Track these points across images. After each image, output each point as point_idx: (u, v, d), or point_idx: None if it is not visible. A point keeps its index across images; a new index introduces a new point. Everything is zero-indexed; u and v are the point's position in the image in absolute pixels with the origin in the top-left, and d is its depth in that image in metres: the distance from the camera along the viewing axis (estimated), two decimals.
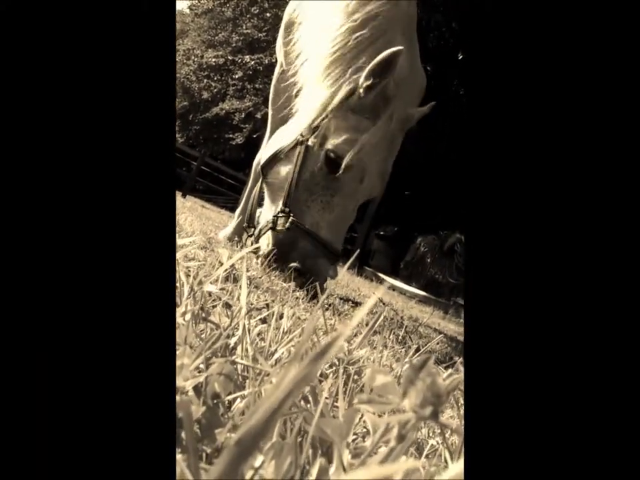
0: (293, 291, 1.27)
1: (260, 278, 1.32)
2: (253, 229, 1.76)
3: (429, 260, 7.25)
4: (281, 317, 0.80)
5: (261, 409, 0.23)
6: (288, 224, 1.54)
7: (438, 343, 1.55)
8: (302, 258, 1.50)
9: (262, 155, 1.77)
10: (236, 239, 2.31)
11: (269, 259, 1.52)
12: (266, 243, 1.61)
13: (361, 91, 1.52)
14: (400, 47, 1.47)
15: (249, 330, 0.48)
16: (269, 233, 1.60)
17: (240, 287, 1.04)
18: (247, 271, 1.24)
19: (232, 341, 0.49)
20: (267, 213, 1.68)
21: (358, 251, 1.22)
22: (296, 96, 1.76)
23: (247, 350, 0.45)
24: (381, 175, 1.64)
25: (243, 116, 11.77)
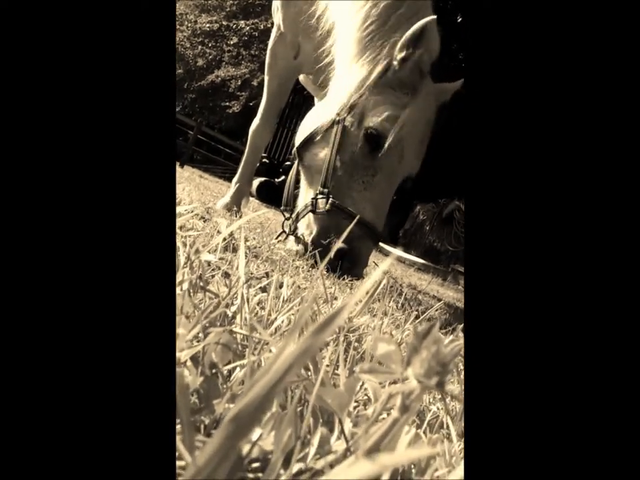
0: (293, 261, 1.26)
1: (260, 247, 1.31)
2: (290, 213, 1.73)
3: (427, 228, 7.25)
4: (281, 285, 0.80)
5: (260, 382, 0.22)
6: (328, 205, 1.50)
7: (437, 310, 1.55)
8: (347, 240, 1.45)
9: (296, 138, 1.72)
10: (234, 208, 2.28)
11: (313, 244, 1.50)
12: (305, 225, 1.58)
13: (396, 63, 1.49)
14: (433, 17, 1.45)
15: (247, 299, 0.47)
16: (309, 215, 1.57)
17: (239, 255, 1.02)
18: (247, 240, 1.23)
19: (231, 310, 0.47)
20: (304, 195, 1.64)
21: (357, 216, 1.18)
22: (331, 74, 1.70)
23: (245, 319, 0.44)
24: (419, 152, 1.60)
25: (239, 83, 11.51)
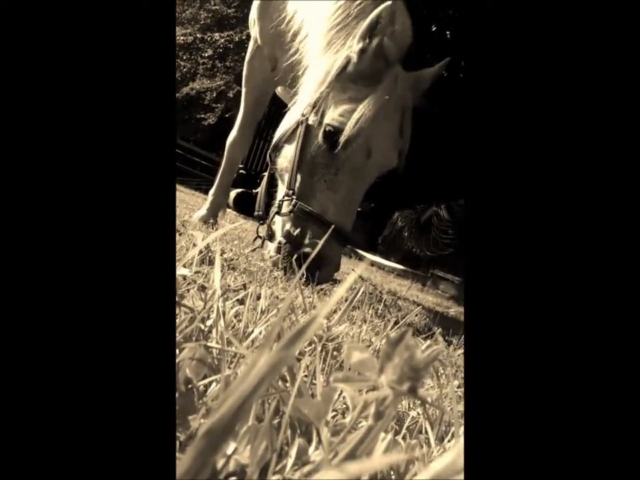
0: (271, 271, 1.26)
1: (237, 259, 1.30)
2: (264, 218, 1.69)
3: (406, 234, 7.32)
4: (259, 297, 0.79)
5: (232, 396, 0.22)
6: (290, 207, 1.47)
7: (417, 315, 1.56)
8: (312, 244, 1.41)
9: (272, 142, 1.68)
10: (211, 220, 2.27)
11: (281, 250, 1.44)
12: (279, 227, 1.54)
13: (354, 55, 1.43)
14: (388, 2, 1.38)
15: (223, 312, 0.47)
16: (277, 218, 1.54)
17: (215, 268, 1.02)
18: (223, 253, 1.22)
19: (206, 325, 0.47)
20: (277, 199, 1.61)
21: (332, 227, 1.17)
22: (302, 76, 1.66)
23: (221, 333, 0.44)
24: (394, 145, 1.51)
25: (214, 95, 11.50)
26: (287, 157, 1.56)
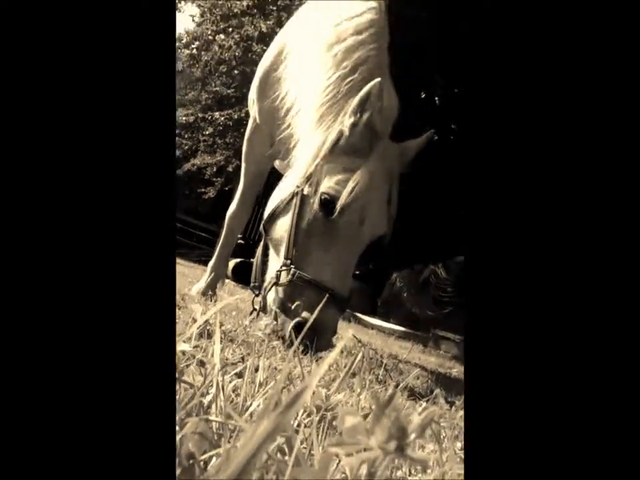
0: (269, 342, 1.27)
1: (235, 331, 1.31)
2: (259, 290, 1.71)
3: (405, 295, 7.29)
4: (257, 369, 0.80)
5: (233, 464, 0.24)
6: (289, 276, 1.50)
7: (418, 378, 1.54)
8: (310, 309, 1.42)
9: (264, 214, 1.75)
10: (210, 292, 2.29)
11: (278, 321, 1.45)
12: (272, 299, 1.56)
13: (346, 129, 1.53)
14: (377, 79, 1.49)
15: (222, 387, 0.49)
16: (274, 288, 1.56)
17: (214, 342, 1.03)
18: (222, 324, 1.24)
19: (206, 399, 0.49)
20: (272, 269, 1.64)
21: (329, 292, 1.18)
22: (293, 149, 1.76)
23: (221, 407, 0.46)
24: (384, 212, 1.58)
25: (214, 170, 11.91)
26: (282, 226, 1.61)
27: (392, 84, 1.77)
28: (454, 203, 6.69)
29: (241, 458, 0.24)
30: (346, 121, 1.54)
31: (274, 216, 1.66)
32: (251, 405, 0.51)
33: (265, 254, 1.75)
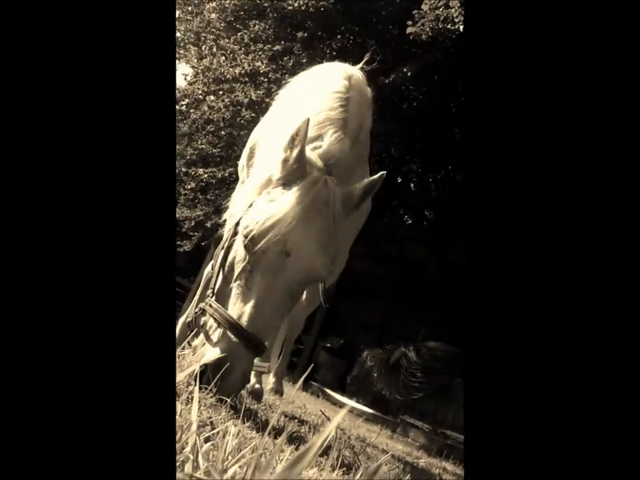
0: (234, 413, 1.22)
1: (204, 391, 1.27)
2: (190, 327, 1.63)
3: (375, 375, 7.13)
4: (225, 435, 0.77)
5: None
6: (206, 308, 1.44)
7: (386, 464, 1.48)
8: (221, 349, 1.34)
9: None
10: (183, 346, 2.21)
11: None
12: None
13: (278, 165, 1.55)
14: (307, 117, 1.53)
15: (200, 446, 0.47)
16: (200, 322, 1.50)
17: (184, 402, 1.00)
18: (194, 384, 1.19)
19: (182, 457, 0.47)
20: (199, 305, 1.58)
21: (312, 365, 1.15)
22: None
23: (197, 466, 0.44)
24: (318, 251, 1.50)
25: (192, 224, 11.99)
26: (216, 262, 1.61)
27: (343, 131, 1.77)
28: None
29: None
30: (277, 159, 1.57)
31: (216, 253, 1.65)
32: (226, 469, 0.49)
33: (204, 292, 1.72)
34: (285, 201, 1.46)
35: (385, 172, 1.80)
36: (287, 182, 1.53)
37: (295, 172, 1.54)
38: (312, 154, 1.60)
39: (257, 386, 2.32)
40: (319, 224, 1.53)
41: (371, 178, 1.73)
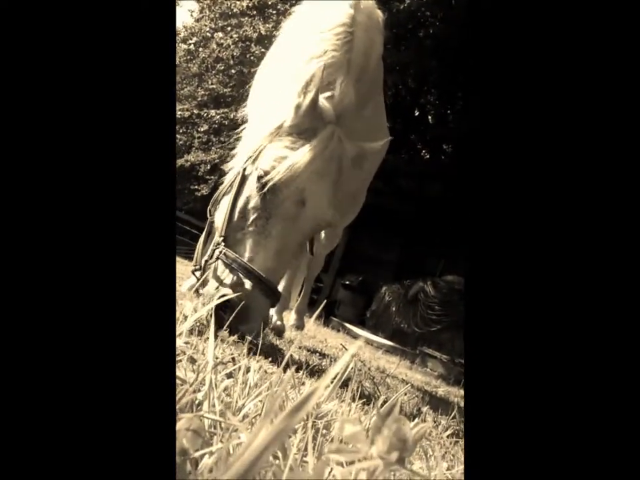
0: (262, 344, 1.25)
1: (225, 330, 1.30)
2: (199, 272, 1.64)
3: (393, 309, 7.29)
4: (248, 370, 0.79)
5: (231, 470, 0.23)
6: (217, 253, 1.45)
7: (405, 394, 1.54)
8: (235, 291, 1.35)
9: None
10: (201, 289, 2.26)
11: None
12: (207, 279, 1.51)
13: (291, 110, 1.52)
14: (322, 63, 1.50)
15: (215, 385, 0.48)
16: (211, 268, 1.51)
17: (205, 339, 1.02)
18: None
19: (199, 396, 0.48)
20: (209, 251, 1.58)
21: (325, 301, 1.17)
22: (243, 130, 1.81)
23: (214, 405, 0.45)
24: (329, 199, 1.53)
25: (208, 167, 11.94)
26: (223, 207, 1.59)
27: (349, 76, 1.71)
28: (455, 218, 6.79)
29: (239, 465, 0.23)
30: (291, 103, 1.54)
31: (217, 198, 1.63)
32: (244, 405, 0.50)
33: (208, 238, 1.71)
34: (304, 153, 1.45)
35: (392, 137, 1.76)
36: (300, 131, 1.51)
37: (308, 120, 1.51)
38: (324, 102, 1.55)
39: (279, 322, 2.39)
40: (331, 177, 1.54)
41: (381, 142, 1.72)
